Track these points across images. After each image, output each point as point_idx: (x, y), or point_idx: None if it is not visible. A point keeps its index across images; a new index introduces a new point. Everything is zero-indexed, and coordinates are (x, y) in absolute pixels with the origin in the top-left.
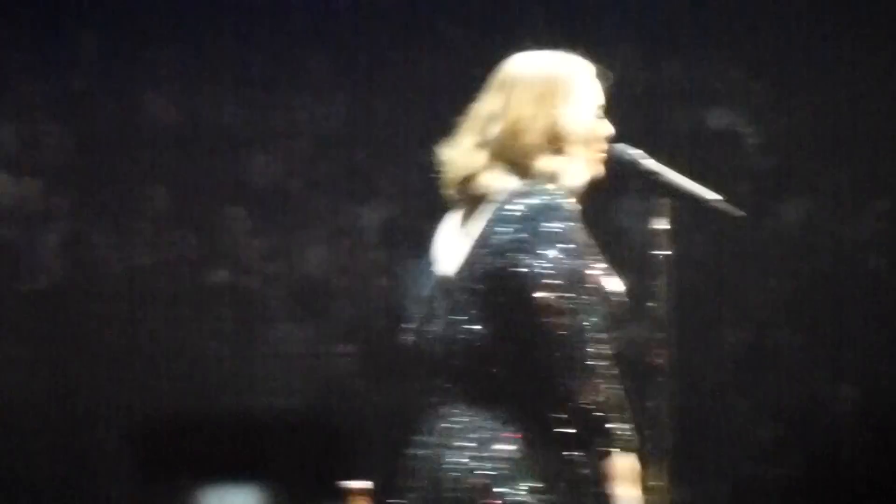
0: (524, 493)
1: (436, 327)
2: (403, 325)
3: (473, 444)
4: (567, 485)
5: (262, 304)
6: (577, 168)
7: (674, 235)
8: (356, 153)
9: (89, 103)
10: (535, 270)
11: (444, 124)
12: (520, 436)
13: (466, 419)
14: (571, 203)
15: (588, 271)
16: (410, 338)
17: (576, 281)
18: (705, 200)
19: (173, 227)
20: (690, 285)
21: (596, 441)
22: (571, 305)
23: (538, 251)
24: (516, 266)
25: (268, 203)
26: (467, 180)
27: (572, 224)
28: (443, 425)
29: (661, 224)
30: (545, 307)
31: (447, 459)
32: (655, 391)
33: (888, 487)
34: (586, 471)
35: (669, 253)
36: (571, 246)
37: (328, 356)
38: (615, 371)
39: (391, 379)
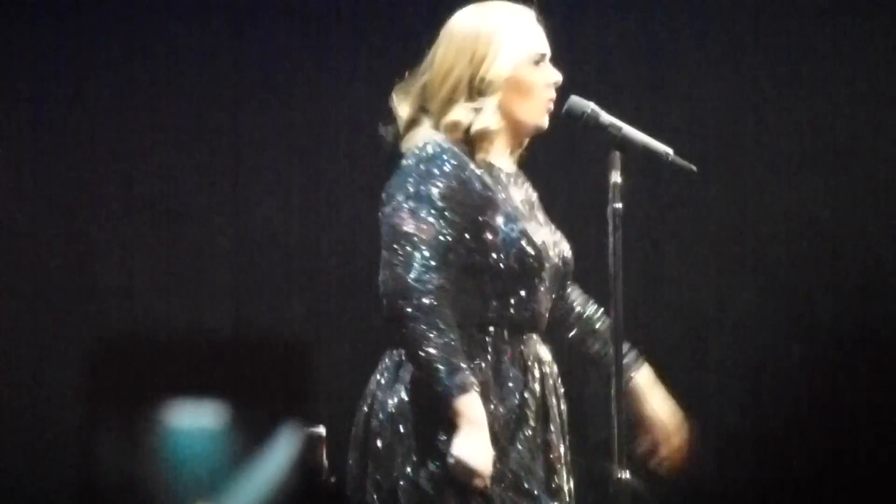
0: (407, 441)
1: None
2: None
3: (380, 391)
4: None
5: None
6: (486, 118)
7: (627, 190)
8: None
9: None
10: (383, 226)
11: (396, 73)
12: (409, 386)
13: (383, 362)
14: (453, 159)
15: (430, 227)
16: None
17: (405, 239)
18: (660, 154)
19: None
20: (644, 241)
21: (436, 394)
22: (390, 259)
23: (390, 206)
24: (379, 218)
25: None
26: (400, 135)
27: (433, 180)
28: (377, 370)
29: (614, 178)
30: (382, 262)
31: (371, 402)
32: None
33: (838, 439)
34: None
35: (620, 206)
36: (415, 202)
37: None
38: (442, 325)
39: (345, 328)
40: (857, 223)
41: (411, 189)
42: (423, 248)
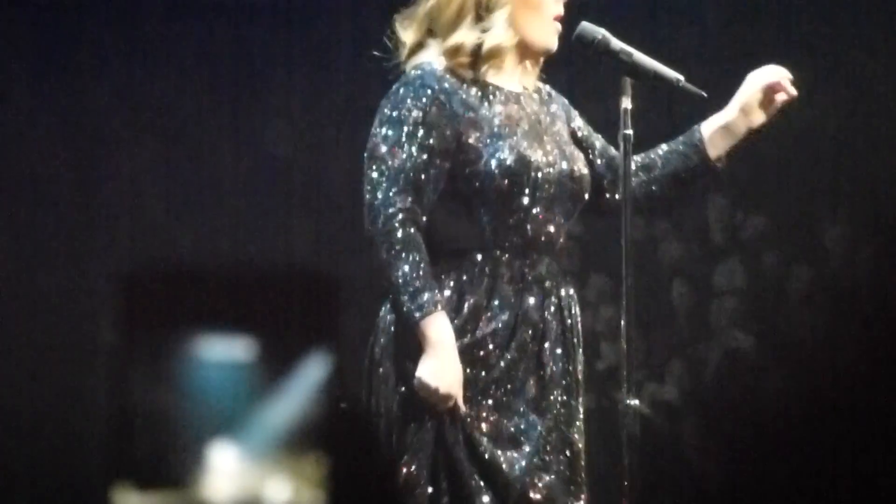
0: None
1: None
2: None
3: (381, 317)
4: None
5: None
6: (498, 33)
7: (637, 117)
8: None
9: None
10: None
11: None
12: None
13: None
14: (438, 81)
15: (402, 150)
16: None
17: (376, 164)
18: (670, 80)
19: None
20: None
21: (403, 316)
22: (364, 183)
23: (371, 132)
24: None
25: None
26: (406, 58)
27: (410, 103)
28: None
29: (625, 104)
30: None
31: (376, 329)
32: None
33: (835, 357)
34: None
35: (631, 132)
36: (388, 126)
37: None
38: (406, 247)
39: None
40: (864, 146)
41: (388, 113)
42: (392, 171)
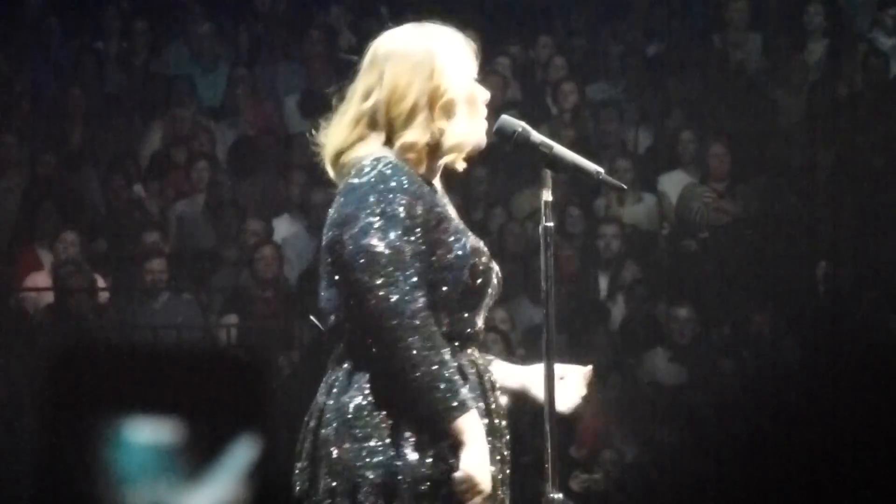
0: (364, 445)
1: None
2: None
3: (331, 400)
4: (413, 446)
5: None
6: (461, 130)
7: (556, 209)
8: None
9: None
10: (350, 247)
11: (326, 100)
12: (366, 392)
13: (332, 375)
14: (409, 177)
15: (404, 246)
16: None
17: (385, 259)
18: (590, 173)
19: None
20: (572, 258)
21: (434, 410)
22: (370, 280)
23: (356, 227)
24: (342, 240)
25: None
26: (342, 154)
27: (397, 199)
28: (323, 384)
29: (545, 196)
30: (357, 284)
31: (319, 414)
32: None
33: (761, 463)
34: (424, 435)
35: (552, 225)
36: (385, 222)
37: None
38: (436, 342)
39: (275, 349)
40: (784, 232)
41: (377, 209)
42: (403, 267)
